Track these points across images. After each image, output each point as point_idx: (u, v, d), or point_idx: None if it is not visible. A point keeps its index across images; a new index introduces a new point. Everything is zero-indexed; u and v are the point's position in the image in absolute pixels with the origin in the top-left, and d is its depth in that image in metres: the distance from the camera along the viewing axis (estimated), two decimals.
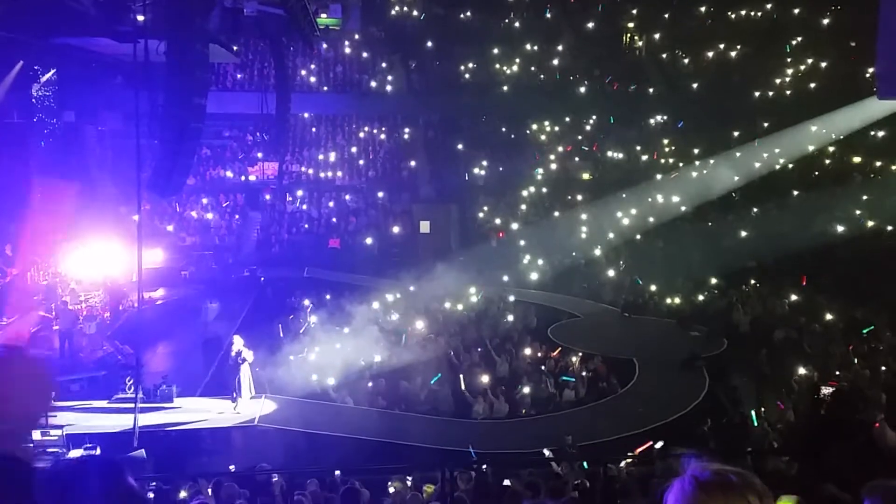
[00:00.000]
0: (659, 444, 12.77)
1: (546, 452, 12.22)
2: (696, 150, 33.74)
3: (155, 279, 22.07)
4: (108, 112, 26.27)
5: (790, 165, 32.64)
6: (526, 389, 16.99)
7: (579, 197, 32.09)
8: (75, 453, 11.90)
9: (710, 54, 37.48)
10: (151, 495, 9.02)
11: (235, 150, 33.89)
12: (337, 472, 10.88)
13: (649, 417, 15.80)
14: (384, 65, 36.71)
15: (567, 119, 35.85)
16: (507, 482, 9.43)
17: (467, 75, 36.50)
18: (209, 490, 9.55)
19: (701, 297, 24.38)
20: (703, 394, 17.42)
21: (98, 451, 11.95)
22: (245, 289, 24.65)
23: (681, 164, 33.31)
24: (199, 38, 13.46)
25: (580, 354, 19.25)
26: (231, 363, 15.67)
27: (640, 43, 39.19)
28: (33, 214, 22.33)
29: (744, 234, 28.84)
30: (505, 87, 35.62)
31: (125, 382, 15.23)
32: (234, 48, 19.33)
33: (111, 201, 24.21)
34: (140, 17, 14.72)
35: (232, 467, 11.99)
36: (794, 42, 37.31)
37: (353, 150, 34.74)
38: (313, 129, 35.61)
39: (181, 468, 12.83)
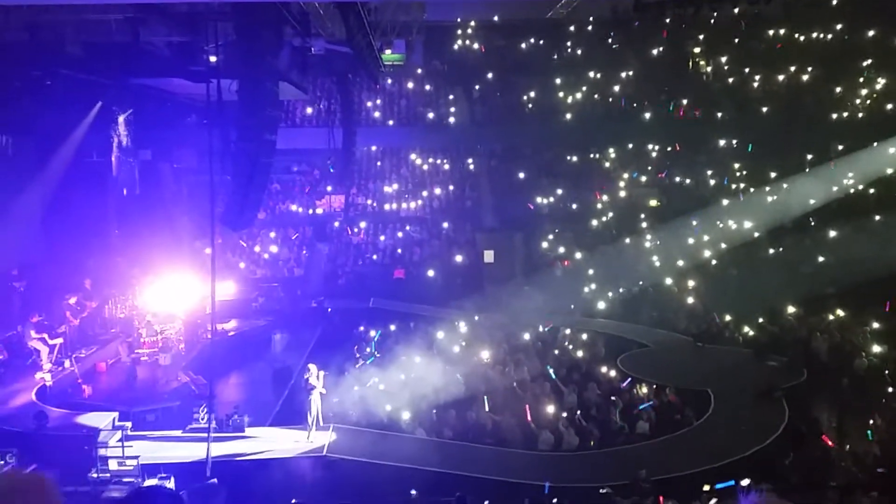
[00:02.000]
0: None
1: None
2: (768, 174, 32.91)
3: (227, 311, 22.56)
4: (183, 150, 27.17)
5: (869, 189, 31.53)
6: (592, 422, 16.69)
7: (646, 224, 31.62)
8: (150, 483, 12.13)
9: (781, 77, 36.64)
10: None
11: (304, 185, 34.66)
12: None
13: (728, 451, 15.23)
14: (451, 97, 37.17)
15: (631, 146, 35.47)
16: None
17: (530, 105, 36.62)
18: None
19: (778, 326, 23.57)
20: (783, 426, 16.72)
21: (172, 481, 12.15)
22: (313, 320, 25.00)
23: (752, 189, 32.53)
24: (270, 76, 13.85)
25: (653, 386, 18.80)
26: (304, 391, 15.77)
27: (708, 67, 38.60)
28: (111, 249, 23.19)
29: (821, 259, 27.86)
30: (568, 115, 35.57)
31: (198, 412, 15.51)
32: (303, 86, 19.82)
33: (186, 236, 24.96)
34: (212, 58, 15.23)
35: (294, 501, 12.07)
36: (866, 63, 36.16)
37: (418, 181, 35.11)
38: (378, 163, 36.17)
39: (253, 498, 12.95)
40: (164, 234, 23.48)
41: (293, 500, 12.33)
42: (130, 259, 23.08)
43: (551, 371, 19.30)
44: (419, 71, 38.05)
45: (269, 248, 30.91)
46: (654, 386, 18.80)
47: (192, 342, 20.20)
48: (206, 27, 15.59)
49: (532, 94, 36.72)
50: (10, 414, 15.38)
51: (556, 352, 21.70)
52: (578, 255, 30.12)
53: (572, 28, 38.80)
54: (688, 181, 34.07)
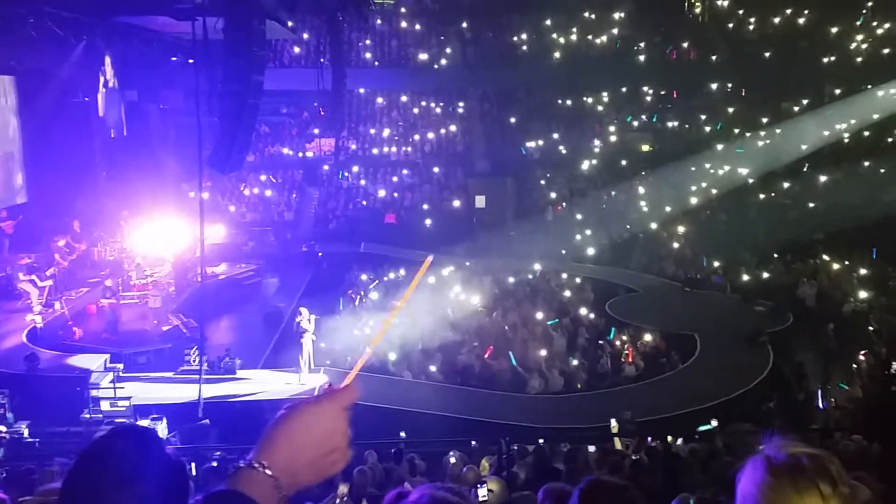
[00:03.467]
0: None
1: (612, 422, 12.04)
2: (761, 119, 32.68)
3: (217, 254, 22.50)
4: (170, 90, 26.70)
5: (861, 133, 31.40)
6: (575, 362, 16.99)
7: (638, 169, 31.47)
8: (143, 423, 12.26)
9: (777, 19, 36.07)
10: (215, 464, 9.21)
11: (292, 127, 34.19)
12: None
13: (712, 394, 15.49)
14: (442, 37, 36.43)
15: (625, 89, 35.05)
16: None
17: (523, 47, 35.97)
18: None
19: (766, 271, 23.74)
20: (768, 370, 16.98)
21: (164, 422, 12.30)
22: (304, 264, 25.00)
23: (746, 134, 32.33)
24: (256, 14, 13.52)
25: (640, 331, 19.00)
26: (296, 335, 15.85)
27: (702, 8, 37.93)
28: (99, 191, 22.99)
29: (811, 205, 27.89)
30: (562, 57, 34.97)
31: (189, 354, 15.59)
32: (290, 24, 19.35)
33: (174, 178, 24.72)
34: None
35: None
36: (864, 7, 35.57)
37: (409, 124, 34.69)
38: (368, 105, 35.65)
39: (244, 438, 13.12)
40: (151, 176, 23.22)
41: None
42: (118, 201, 22.89)
43: (554, 323, 19.24)
44: (404, 10, 37.13)
45: (259, 192, 30.64)
46: (643, 331, 18.99)
47: (182, 285, 20.18)
48: None
49: (524, 35, 36.04)
50: (1, 356, 15.44)
51: (545, 296, 21.84)
52: (571, 201, 30.03)
53: None
54: (686, 126, 33.77)
